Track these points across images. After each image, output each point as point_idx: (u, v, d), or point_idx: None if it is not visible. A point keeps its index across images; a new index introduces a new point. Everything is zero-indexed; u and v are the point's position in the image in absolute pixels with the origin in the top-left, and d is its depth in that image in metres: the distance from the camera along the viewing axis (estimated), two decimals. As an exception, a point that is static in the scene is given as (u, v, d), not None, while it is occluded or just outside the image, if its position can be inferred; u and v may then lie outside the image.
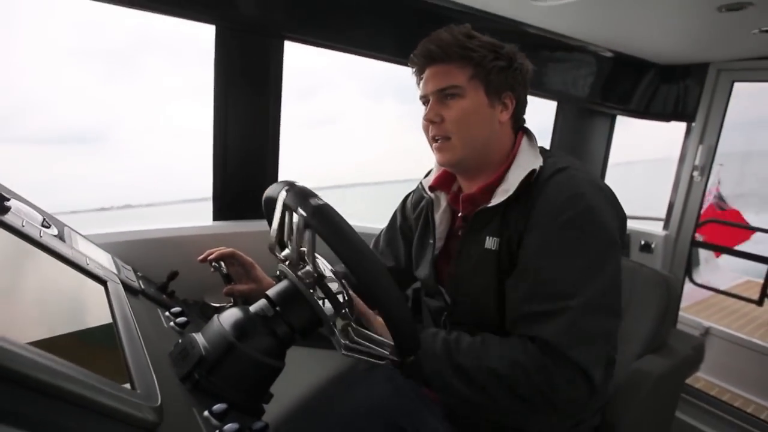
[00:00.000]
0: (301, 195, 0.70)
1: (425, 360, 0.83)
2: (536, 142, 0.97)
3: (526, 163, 0.90)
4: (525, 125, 0.99)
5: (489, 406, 0.81)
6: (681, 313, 2.41)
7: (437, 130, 0.92)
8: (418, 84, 0.97)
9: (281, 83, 1.36)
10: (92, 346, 0.56)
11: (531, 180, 0.87)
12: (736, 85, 2.01)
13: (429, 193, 1.05)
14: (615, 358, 1.00)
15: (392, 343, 0.73)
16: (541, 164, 0.89)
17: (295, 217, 0.73)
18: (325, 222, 0.66)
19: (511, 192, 0.87)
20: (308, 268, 0.75)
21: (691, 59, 2.01)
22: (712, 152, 2.12)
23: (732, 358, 2.59)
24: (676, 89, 2.14)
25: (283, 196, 0.73)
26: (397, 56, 1.53)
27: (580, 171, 0.88)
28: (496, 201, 0.89)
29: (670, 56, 1.97)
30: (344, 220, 0.66)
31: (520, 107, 0.96)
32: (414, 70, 0.97)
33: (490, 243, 0.90)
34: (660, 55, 1.96)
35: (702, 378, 2.55)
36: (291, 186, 0.73)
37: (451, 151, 0.92)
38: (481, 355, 0.81)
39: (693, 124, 2.14)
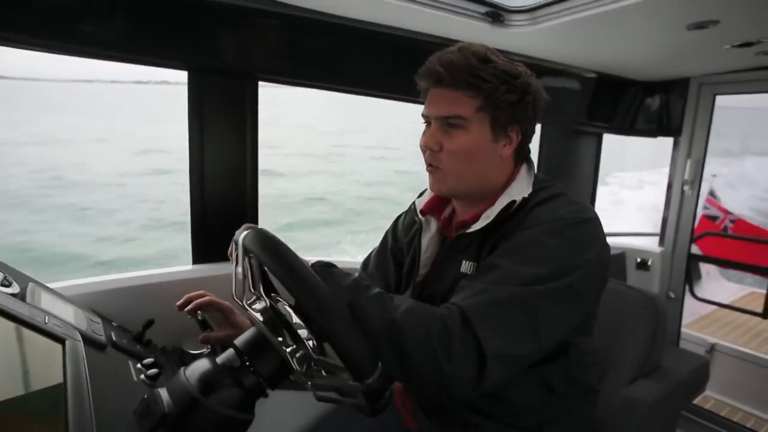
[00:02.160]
0: (260, 238, 0.69)
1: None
2: (534, 170, 0.94)
3: (516, 191, 0.88)
4: (528, 155, 0.95)
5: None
6: (684, 329, 2.35)
7: (433, 158, 0.88)
8: (422, 98, 0.92)
9: (257, 123, 1.36)
10: (38, 409, 0.53)
11: (510, 210, 0.85)
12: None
13: (420, 216, 1.01)
14: (598, 387, 0.97)
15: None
16: (526, 194, 0.86)
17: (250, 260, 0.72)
18: (257, 243, 0.67)
19: (490, 219, 0.85)
20: (263, 304, 0.73)
21: (671, 75, 2.03)
22: (701, 165, 2.12)
23: (741, 375, 2.51)
24: (660, 105, 2.15)
25: (242, 239, 0.73)
26: (370, 89, 1.54)
27: (573, 198, 0.86)
28: (476, 227, 0.87)
29: (652, 73, 1.99)
30: (278, 241, 0.67)
31: (526, 140, 0.92)
32: (419, 86, 0.92)
33: (466, 267, 0.88)
34: (641, 72, 1.98)
35: (711, 398, 2.46)
36: (251, 229, 0.72)
37: (443, 181, 0.90)
38: (388, 305, 0.75)
39: (679, 138, 2.15)
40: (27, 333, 0.64)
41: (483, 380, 0.72)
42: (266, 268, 0.68)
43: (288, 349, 0.70)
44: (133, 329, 1.04)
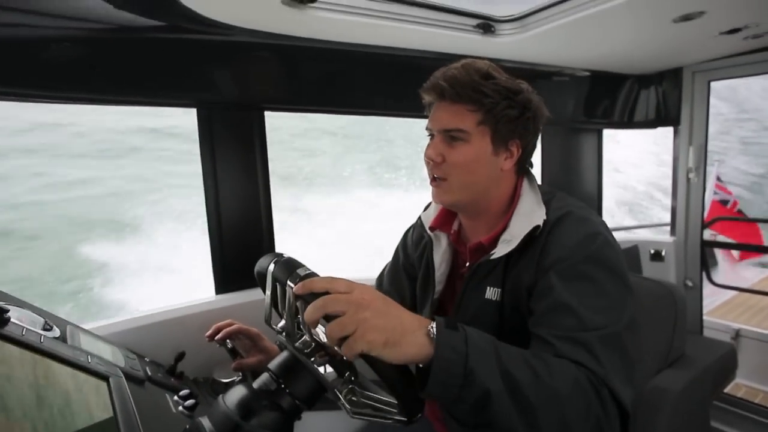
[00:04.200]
0: (287, 267, 0.71)
1: (472, 356, 0.64)
2: (536, 183, 0.96)
3: (529, 210, 0.89)
4: (529, 168, 0.97)
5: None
6: (707, 318, 2.33)
7: (436, 169, 0.91)
8: (427, 111, 0.95)
9: (266, 152, 1.41)
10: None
11: (535, 234, 0.86)
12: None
13: (428, 232, 1.03)
14: None
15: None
16: (544, 218, 0.87)
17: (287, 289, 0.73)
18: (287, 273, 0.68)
19: (514, 245, 0.86)
20: (305, 337, 0.75)
21: (664, 66, 2.05)
22: (704, 151, 2.13)
23: (770, 358, 2.47)
24: (656, 96, 2.18)
25: (271, 269, 0.75)
26: (373, 108, 1.58)
27: (583, 212, 0.88)
28: (498, 253, 0.87)
29: (645, 66, 2.02)
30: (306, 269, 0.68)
31: (527, 154, 0.94)
32: (424, 100, 0.95)
33: (491, 293, 0.89)
34: (634, 66, 2.01)
35: (743, 385, 2.42)
36: (278, 258, 0.74)
37: (447, 192, 0.92)
38: (538, 367, 0.66)
39: (679, 127, 2.16)
40: (74, 373, 0.66)
41: (626, 427, 0.73)
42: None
43: (323, 371, 0.72)
44: (164, 362, 1.07)
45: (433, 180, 0.93)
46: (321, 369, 0.74)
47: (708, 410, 1.27)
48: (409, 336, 0.63)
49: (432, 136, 0.93)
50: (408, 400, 0.68)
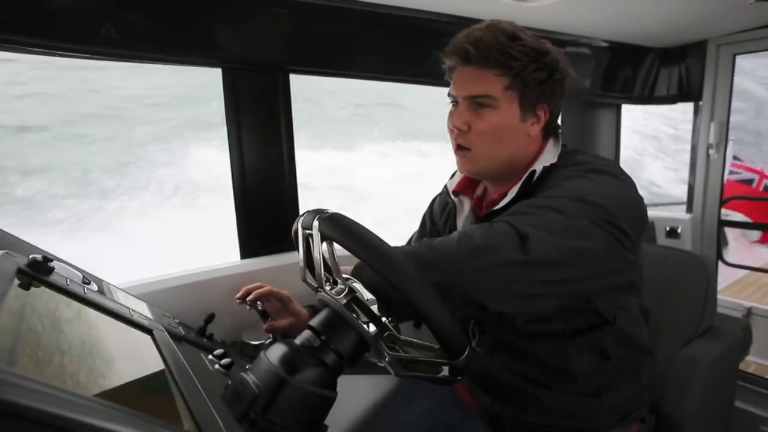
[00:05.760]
0: (313, 212, 0.70)
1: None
2: (560, 142, 0.94)
3: (541, 164, 0.88)
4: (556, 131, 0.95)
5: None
6: (719, 296, 2.33)
7: (461, 138, 0.88)
8: (448, 77, 0.92)
9: (291, 116, 1.38)
10: (149, 395, 0.55)
11: (531, 180, 0.85)
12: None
13: (453, 197, 1.03)
14: (651, 348, 0.98)
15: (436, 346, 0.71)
16: (548, 164, 0.86)
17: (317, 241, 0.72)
18: (337, 227, 0.67)
19: (516, 191, 0.86)
20: (341, 287, 0.74)
21: (688, 39, 2.00)
22: (725, 128, 2.09)
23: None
24: (678, 70, 2.13)
25: (300, 222, 0.74)
26: (398, 75, 1.55)
27: (598, 159, 0.86)
28: (504, 202, 0.87)
29: (667, 38, 1.98)
30: (357, 222, 0.67)
31: (554, 117, 0.92)
32: (445, 64, 0.91)
33: None
34: (656, 38, 1.96)
35: (753, 362, 2.44)
36: (308, 211, 0.73)
37: (472, 162, 0.90)
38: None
39: (700, 102, 2.13)
40: (118, 324, 0.66)
41: (528, 251, 0.67)
42: (353, 253, 0.68)
43: (368, 327, 0.71)
44: (192, 324, 1.06)
45: (458, 149, 0.90)
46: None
47: (735, 382, 1.28)
48: None
49: (455, 102, 0.89)
50: (447, 335, 0.67)
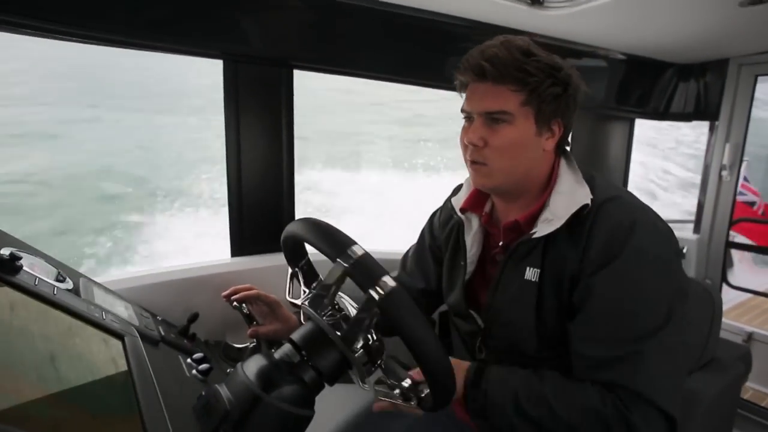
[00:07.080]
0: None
1: (489, 409, 0.81)
2: (574, 162, 0.93)
3: (569, 189, 0.87)
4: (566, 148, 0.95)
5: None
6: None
7: (477, 154, 0.87)
8: (460, 93, 0.92)
9: (293, 113, 1.34)
10: (109, 404, 0.52)
11: (582, 214, 0.83)
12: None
13: (459, 214, 1.00)
14: None
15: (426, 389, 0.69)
16: (589, 198, 0.84)
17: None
18: (398, 309, 0.63)
19: (558, 225, 0.83)
20: (326, 302, 0.71)
21: (709, 56, 1.94)
22: (740, 150, 2.04)
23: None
24: (696, 88, 2.07)
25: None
26: (405, 76, 1.51)
27: (632, 198, 0.86)
28: (540, 233, 0.85)
29: (687, 54, 1.91)
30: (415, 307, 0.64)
31: (567, 132, 0.91)
32: (457, 81, 0.91)
33: (530, 274, 0.86)
34: (676, 54, 1.90)
35: (750, 388, 2.40)
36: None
37: (488, 176, 0.88)
38: (552, 404, 0.77)
39: (717, 122, 2.07)
40: (87, 328, 0.62)
41: (674, 427, 0.76)
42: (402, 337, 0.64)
43: (349, 346, 0.68)
44: (175, 322, 1.04)
45: (473, 163, 0.89)
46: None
47: (735, 411, 1.24)
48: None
49: (469, 118, 0.88)
50: (442, 392, 0.66)
